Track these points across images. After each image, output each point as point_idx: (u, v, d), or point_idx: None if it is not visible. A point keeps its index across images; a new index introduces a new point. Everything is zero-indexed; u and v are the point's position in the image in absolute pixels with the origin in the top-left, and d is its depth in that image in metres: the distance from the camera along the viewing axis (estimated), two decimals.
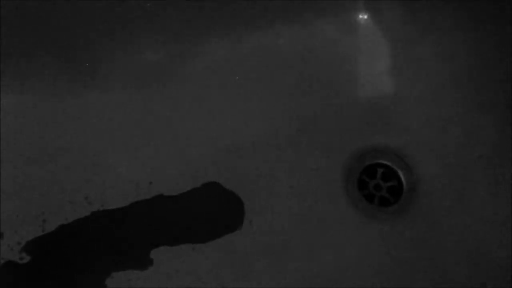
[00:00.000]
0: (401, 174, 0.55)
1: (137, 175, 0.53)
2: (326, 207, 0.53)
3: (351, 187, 0.54)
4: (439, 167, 0.54)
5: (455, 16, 0.53)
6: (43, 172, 0.52)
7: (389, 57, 0.56)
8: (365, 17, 0.56)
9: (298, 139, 0.56)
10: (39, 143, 0.53)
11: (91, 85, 0.54)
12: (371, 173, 0.55)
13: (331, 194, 0.54)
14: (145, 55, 0.54)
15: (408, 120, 0.56)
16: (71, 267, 0.50)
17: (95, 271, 0.50)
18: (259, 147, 0.55)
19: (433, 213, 0.53)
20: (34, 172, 0.52)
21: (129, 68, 0.54)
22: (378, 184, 0.55)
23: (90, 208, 0.52)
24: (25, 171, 0.52)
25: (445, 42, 0.55)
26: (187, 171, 0.53)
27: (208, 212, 0.52)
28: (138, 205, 0.52)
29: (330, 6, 0.56)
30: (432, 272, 0.50)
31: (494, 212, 0.51)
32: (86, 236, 0.51)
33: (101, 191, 0.52)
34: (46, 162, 0.52)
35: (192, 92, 0.56)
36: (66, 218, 0.51)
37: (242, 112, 0.56)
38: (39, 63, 0.53)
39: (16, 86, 0.53)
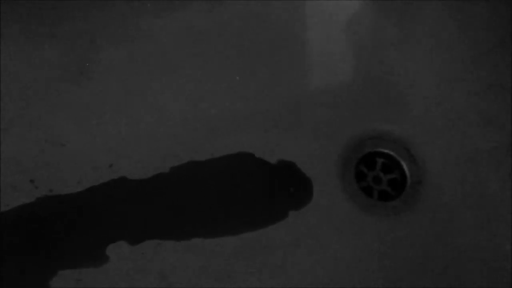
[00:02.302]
0: (404, 166, 0.47)
1: (95, 156, 0.45)
2: (319, 200, 0.45)
3: (348, 178, 0.47)
4: (448, 158, 0.47)
5: None
6: None
7: (394, 31, 0.50)
8: None
9: (286, 122, 0.48)
10: None
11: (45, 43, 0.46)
12: (371, 164, 0.48)
13: (325, 186, 0.46)
14: (116, 14, 0.46)
15: (414, 104, 0.49)
16: (10, 263, 0.41)
17: (39, 268, 0.41)
18: (240, 128, 0.47)
19: (440, 210, 0.46)
20: None
21: (93, 28, 0.46)
22: (377, 176, 0.48)
23: (37, 192, 0.43)
24: None
25: (458, 17, 0.48)
26: (154, 152, 0.45)
27: (177, 202, 0.44)
28: (95, 191, 0.44)
29: None
30: (437, 274, 0.43)
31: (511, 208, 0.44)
32: (29, 226, 0.43)
33: (51, 173, 0.44)
34: None
35: (165, 61, 0.48)
36: (7, 204, 0.43)
37: (221, 88, 0.48)
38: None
39: None
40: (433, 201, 0.46)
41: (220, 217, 0.44)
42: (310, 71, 0.49)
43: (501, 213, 0.45)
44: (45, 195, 0.43)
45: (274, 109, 0.48)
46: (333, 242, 0.43)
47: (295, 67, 0.49)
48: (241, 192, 0.46)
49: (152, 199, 0.44)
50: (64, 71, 0.47)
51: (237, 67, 0.49)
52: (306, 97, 0.49)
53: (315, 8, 0.50)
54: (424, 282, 0.43)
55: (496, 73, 0.48)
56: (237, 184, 0.46)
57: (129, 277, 0.42)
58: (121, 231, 0.43)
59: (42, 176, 0.44)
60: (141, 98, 0.47)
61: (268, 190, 0.46)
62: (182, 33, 0.48)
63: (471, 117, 0.48)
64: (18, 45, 0.47)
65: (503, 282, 0.43)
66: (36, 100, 0.46)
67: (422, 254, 0.44)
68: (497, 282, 0.43)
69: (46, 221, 0.43)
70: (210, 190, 0.45)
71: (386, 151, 0.48)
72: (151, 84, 0.47)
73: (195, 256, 0.42)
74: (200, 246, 0.43)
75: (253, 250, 0.43)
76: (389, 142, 0.48)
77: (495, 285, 0.43)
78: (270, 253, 0.43)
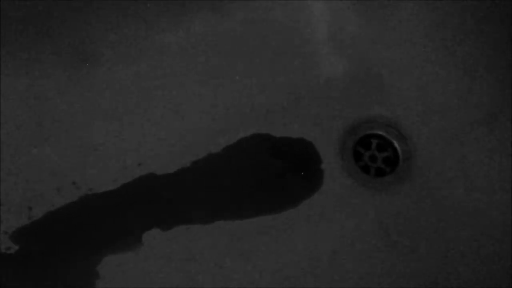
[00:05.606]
0: (396, 144, 0.54)
1: (125, 156, 0.51)
2: (322, 179, 0.51)
3: (347, 158, 0.53)
4: (435, 135, 0.53)
5: None
6: (28, 156, 0.50)
7: (377, 22, 0.55)
8: None
9: (290, 114, 0.54)
10: (22, 126, 0.51)
11: (79, 62, 0.52)
12: (366, 145, 0.54)
13: (327, 166, 0.52)
14: (130, 29, 0.52)
15: (402, 90, 0.54)
16: (60, 255, 0.48)
17: (84, 258, 0.48)
18: (249, 123, 0.53)
19: (430, 181, 0.52)
20: (18, 156, 0.50)
21: (116, 44, 0.52)
22: (373, 155, 0.54)
23: (78, 193, 0.49)
24: (7, 155, 0.49)
25: (438, 5, 0.53)
26: (175, 149, 0.51)
27: (202, 192, 0.51)
28: (128, 187, 0.50)
29: None
30: (431, 235, 0.49)
31: (496, 179, 0.50)
32: (74, 222, 0.49)
33: (89, 175, 0.50)
34: (29, 146, 0.50)
35: (181, 66, 0.54)
36: (53, 204, 0.49)
37: (230, 90, 0.54)
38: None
39: None
40: (423, 174, 0.52)
41: (238, 202, 0.50)
42: (308, 67, 0.55)
43: (487, 183, 0.50)
44: (86, 194, 0.50)
45: (278, 103, 0.54)
46: (337, 215, 0.50)
47: (294, 65, 0.55)
48: (256, 177, 0.51)
49: (179, 191, 0.50)
50: (91, 92, 0.53)
51: (243, 70, 0.55)
52: (306, 91, 0.54)
53: (307, 10, 0.56)
54: (419, 245, 0.49)
55: (475, 56, 0.53)
56: (251, 171, 0.52)
57: (163, 260, 0.48)
58: (153, 220, 0.49)
59: (82, 178, 0.50)
60: (162, 100, 0.53)
61: (280, 173, 0.52)
62: (193, 41, 0.54)
63: (452, 97, 0.53)
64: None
65: (493, 245, 0.48)
66: (67, 112, 0.52)
67: (416, 222, 0.50)
68: (489, 246, 0.48)
69: (89, 217, 0.49)
70: (227, 179, 0.51)
71: (379, 132, 0.54)
72: (171, 87, 0.53)
73: (221, 238, 0.48)
74: (226, 229, 0.49)
75: (271, 229, 0.49)
76: (381, 125, 0.54)
77: (487, 249, 0.48)
78: (288, 231, 0.49)
